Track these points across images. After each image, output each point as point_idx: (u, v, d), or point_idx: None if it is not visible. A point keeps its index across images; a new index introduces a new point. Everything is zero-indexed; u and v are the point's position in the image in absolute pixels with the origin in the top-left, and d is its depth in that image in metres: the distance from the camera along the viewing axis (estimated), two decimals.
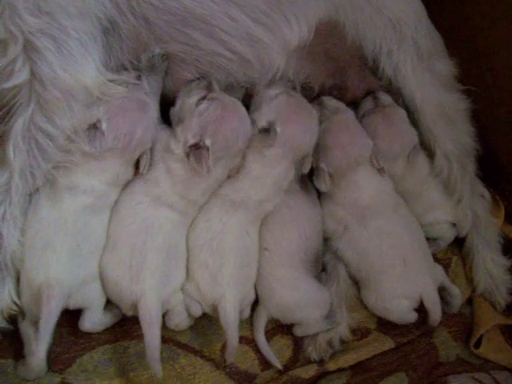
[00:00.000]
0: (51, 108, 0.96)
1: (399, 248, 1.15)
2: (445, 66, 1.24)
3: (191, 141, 1.02)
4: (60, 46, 0.93)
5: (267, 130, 1.08)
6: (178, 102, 1.10)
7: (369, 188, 1.17)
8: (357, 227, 1.17)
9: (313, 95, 1.22)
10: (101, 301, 1.04)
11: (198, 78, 1.11)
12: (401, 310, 1.16)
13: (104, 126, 1.00)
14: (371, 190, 1.17)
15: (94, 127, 1.00)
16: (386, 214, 1.17)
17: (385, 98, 1.25)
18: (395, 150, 1.21)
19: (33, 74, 0.94)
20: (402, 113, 1.23)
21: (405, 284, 1.14)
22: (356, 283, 1.22)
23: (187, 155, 1.02)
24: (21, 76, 0.93)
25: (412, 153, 1.22)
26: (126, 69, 1.07)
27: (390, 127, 1.21)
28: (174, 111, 1.10)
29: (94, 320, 1.03)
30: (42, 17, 0.91)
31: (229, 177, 1.09)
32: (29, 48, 0.92)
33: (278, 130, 1.07)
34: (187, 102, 1.07)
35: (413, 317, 1.16)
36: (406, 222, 1.20)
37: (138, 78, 1.07)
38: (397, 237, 1.16)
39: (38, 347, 0.94)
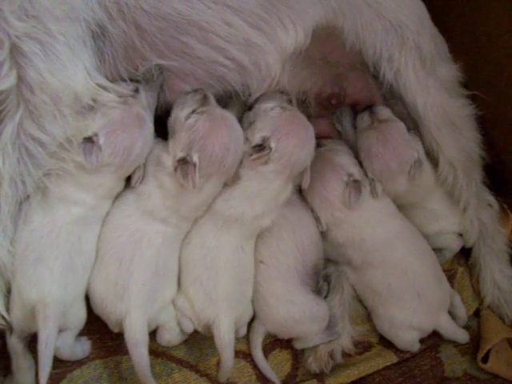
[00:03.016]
0: (40, 113, 0.93)
1: (411, 281, 1.12)
2: (448, 71, 1.21)
3: (179, 155, 0.99)
4: (47, 50, 0.91)
5: (261, 147, 1.03)
6: (173, 114, 1.07)
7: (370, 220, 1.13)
8: (361, 264, 1.14)
9: (310, 109, 1.18)
10: (80, 324, 1.01)
11: (194, 90, 1.07)
12: (410, 340, 1.15)
13: (102, 140, 0.96)
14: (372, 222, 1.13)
15: (90, 141, 0.96)
16: (392, 246, 1.13)
17: (382, 112, 1.19)
18: (393, 169, 1.14)
19: (20, 79, 0.91)
20: (400, 127, 1.17)
21: (421, 317, 1.13)
22: None
23: (175, 169, 0.99)
24: (8, 81, 0.91)
25: (413, 169, 1.14)
26: (124, 80, 1.05)
27: (385, 145, 1.14)
28: (170, 123, 1.08)
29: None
30: (29, 20, 0.89)
31: (225, 185, 1.05)
32: (15, 52, 0.90)
33: (273, 146, 1.03)
34: (179, 115, 1.04)
35: (416, 347, 1.16)
36: (416, 249, 1.16)
37: (136, 90, 1.04)
38: (407, 269, 1.12)
39: (41, 373, 0.88)
